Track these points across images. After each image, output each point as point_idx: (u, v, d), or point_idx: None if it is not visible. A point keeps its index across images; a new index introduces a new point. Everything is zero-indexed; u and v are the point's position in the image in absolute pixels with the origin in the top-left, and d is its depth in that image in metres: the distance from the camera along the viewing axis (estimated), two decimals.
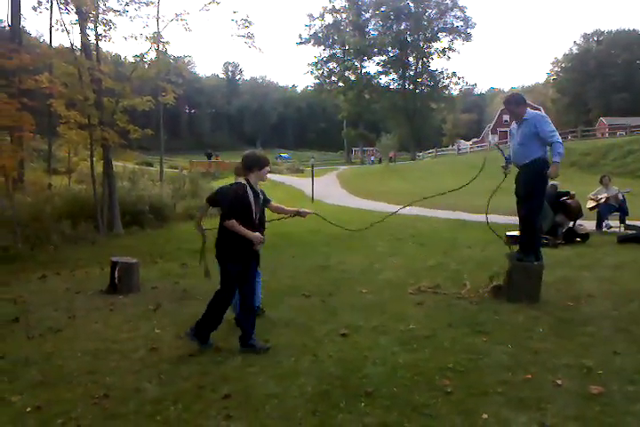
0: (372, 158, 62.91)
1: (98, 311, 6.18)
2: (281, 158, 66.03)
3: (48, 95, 15.06)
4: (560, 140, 5.68)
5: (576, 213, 10.29)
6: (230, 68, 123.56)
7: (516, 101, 6.00)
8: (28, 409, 3.56)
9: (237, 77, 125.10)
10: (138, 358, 4.49)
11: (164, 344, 4.83)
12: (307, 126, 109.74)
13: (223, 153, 58.28)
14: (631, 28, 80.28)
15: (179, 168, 38.31)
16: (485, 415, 3.23)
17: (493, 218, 5.94)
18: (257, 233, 4.51)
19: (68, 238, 12.60)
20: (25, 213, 13.36)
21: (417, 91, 65.54)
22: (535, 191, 5.85)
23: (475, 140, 71.86)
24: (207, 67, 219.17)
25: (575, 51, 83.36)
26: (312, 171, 26.39)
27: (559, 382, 3.67)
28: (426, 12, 64.71)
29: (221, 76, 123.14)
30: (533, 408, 3.32)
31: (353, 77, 67.61)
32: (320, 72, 68.76)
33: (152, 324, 5.54)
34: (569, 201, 10.26)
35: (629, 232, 10.44)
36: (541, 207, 6.10)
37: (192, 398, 3.64)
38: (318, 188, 24.58)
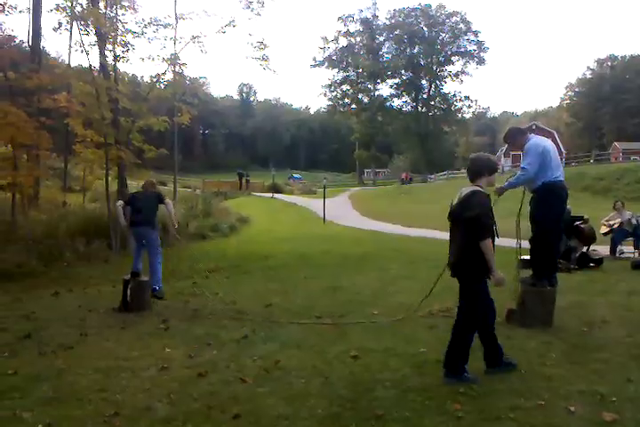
0: (409, 177, 57.06)
1: (109, 329, 6.21)
2: (293, 179, 66.20)
3: (65, 114, 15.32)
4: (524, 174, 5.71)
5: (590, 237, 10.22)
6: (245, 90, 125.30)
7: (510, 136, 6.14)
8: (39, 426, 3.55)
9: (251, 99, 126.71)
10: (148, 377, 4.50)
11: (174, 363, 4.84)
12: (319, 147, 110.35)
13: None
14: None
15: (191, 188, 38.63)
16: None
17: (511, 242, 5.94)
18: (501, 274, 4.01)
19: (81, 256, 12.68)
20: (39, 231, 13.49)
21: (430, 114, 65.82)
22: (546, 215, 5.83)
23: None
24: (222, 87, 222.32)
25: (589, 75, 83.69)
26: (324, 192, 26.49)
27: (572, 408, 3.63)
28: (439, 35, 65.38)
29: (236, 97, 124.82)
30: None
31: (366, 100, 67.97)
32: (333, 94, 69.19)
33: (163, 342, 5.55)
34: (582, 226, 10.19)
35: None
36: (554, 231, 6.04)
37: (202, 419, 3.63)
38: (330, 209, 24.62)
